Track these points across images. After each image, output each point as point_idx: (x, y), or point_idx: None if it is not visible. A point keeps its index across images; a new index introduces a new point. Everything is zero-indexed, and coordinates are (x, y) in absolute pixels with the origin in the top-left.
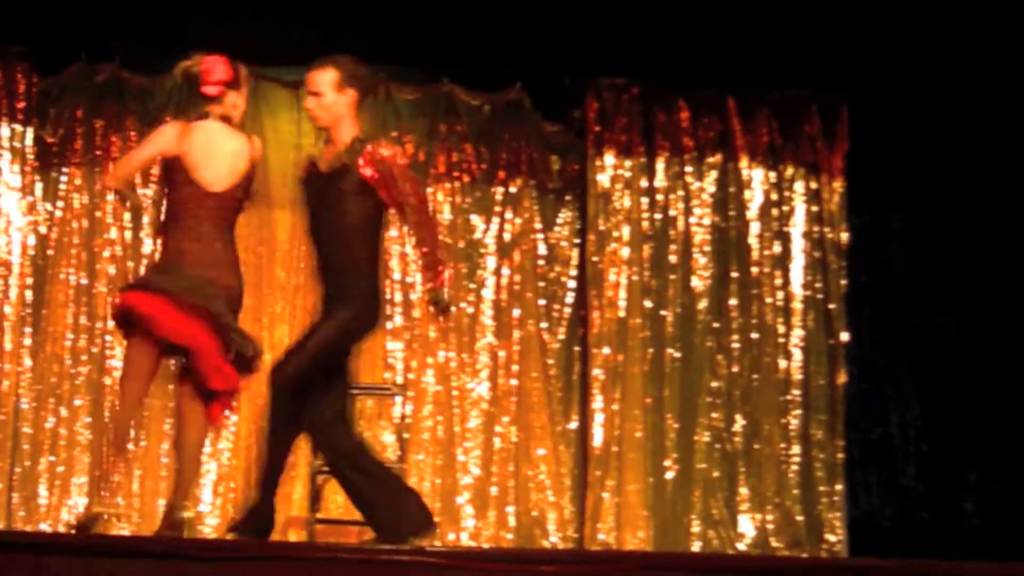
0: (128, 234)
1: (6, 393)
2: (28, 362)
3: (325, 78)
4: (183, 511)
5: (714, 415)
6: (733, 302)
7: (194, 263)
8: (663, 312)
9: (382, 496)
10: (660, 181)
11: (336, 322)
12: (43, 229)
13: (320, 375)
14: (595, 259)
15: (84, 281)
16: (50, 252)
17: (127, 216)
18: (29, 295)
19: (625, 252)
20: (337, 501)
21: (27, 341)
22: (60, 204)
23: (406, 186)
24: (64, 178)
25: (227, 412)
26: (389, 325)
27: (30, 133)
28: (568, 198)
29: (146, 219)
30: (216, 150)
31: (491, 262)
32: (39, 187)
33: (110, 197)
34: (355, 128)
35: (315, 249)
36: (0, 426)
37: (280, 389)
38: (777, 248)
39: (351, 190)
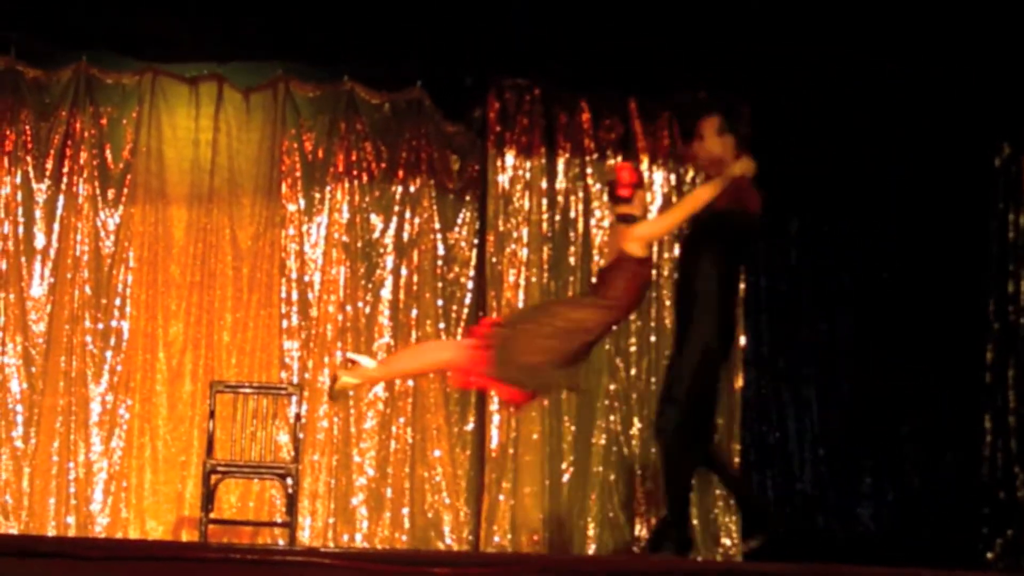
0: (21, 229)
1: None
2: None
3: (709, 124)
4: None
5: (612, 418)
6: None
7: None
8: None
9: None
10: (560, 183)
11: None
12: None
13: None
14: (494, 260)
15: None
16: None
17: (20, 211)
18: None
19: (524, 253)
20: (230, 501)
21: None
22: None
23: None
24: None
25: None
26: (284, 324)
27: None
28: (468, 198)
29: (38, 214)
30: None
31: (389, 262)
32: None
33: None
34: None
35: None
36: None
37: (668, 445)
38: (676, 250)
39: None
